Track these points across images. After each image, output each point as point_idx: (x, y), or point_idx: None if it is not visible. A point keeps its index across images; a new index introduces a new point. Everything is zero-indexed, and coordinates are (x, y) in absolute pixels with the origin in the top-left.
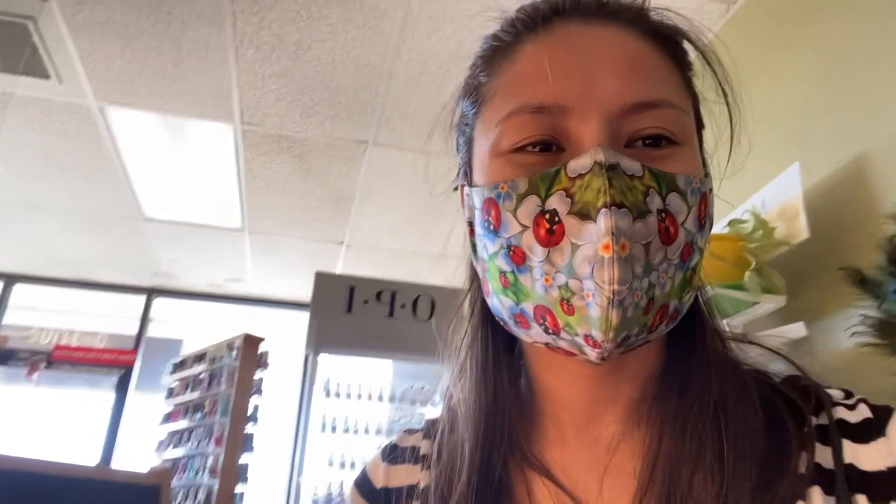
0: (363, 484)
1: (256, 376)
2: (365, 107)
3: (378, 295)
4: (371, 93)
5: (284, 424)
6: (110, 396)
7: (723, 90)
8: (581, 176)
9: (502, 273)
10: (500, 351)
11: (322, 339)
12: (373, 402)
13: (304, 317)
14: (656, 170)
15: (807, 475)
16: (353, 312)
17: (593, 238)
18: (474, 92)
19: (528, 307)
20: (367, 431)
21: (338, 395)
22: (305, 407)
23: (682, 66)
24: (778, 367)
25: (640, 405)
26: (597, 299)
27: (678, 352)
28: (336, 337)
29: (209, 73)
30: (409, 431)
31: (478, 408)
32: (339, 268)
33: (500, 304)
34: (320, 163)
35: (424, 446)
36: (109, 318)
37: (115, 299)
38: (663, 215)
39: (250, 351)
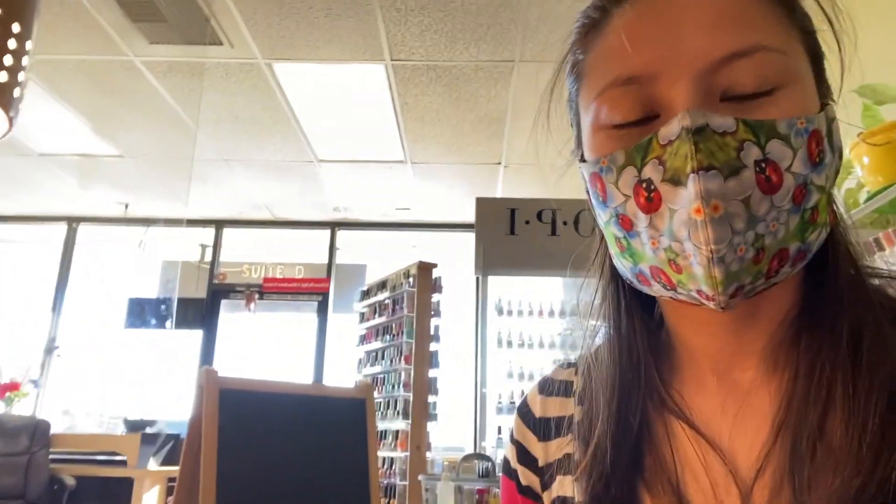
0: (524, 412)
1: (433, 299)
2: (508, 25)
3: (539, 214)
4: (513, 9)
5: (465, 341)
6: (313, 319)
7: (828, 20)
8: (671, 143)
9: (617, 238)
10: (631, 305)
11: (489, 261)
12: (544, 318)
13: (472, 237)
14: (752, 120)
15: None
16: (516, 234)
17: (686, 203)
18: (574, 69)
19: (645, 267)
20: (541, 345)
21: (510, 312)
22: (481, 325)
23: None
24: None
25: (776, 348)
26: (697, 259)
27: (816, 290)
28: (502, 259)
29: (357, 17)
30: (563, 366)
31: (613, 362)
32: (500, 188)
33: (621, 265)
34: (469, 87)
35: (576, 381)
36: (303, 251)
37: (306, 234)
38: (763, 165)
39: (425, 276)
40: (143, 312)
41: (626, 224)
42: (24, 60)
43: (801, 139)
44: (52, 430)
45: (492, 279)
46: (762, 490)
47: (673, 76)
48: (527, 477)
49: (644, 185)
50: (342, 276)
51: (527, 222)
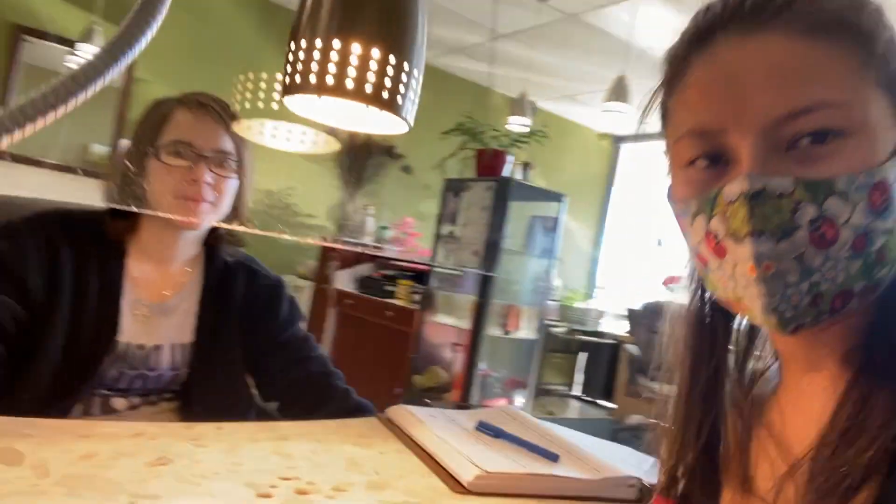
0: None
1: None
2: None
3: None
4: None
5: None
6: None
7: None
8: (731, 203)
9: (698, 266)
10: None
11: None
12: None
13: None
14: (809, 181)
15: None
16: None
17: (743, 259)
18: (662, 108)
19: (720, 295)
20: None
21: None
22: None
23: (858, 42)
24: None
25: (842, 360)
26: (756, 306)
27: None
28: None
29: None
30: None
31: (691, 352)
32: None
33: (705, 283)
34: None
35: None
36: None
37: None
38: (818, 224)
39: None
40: None
41: (702, 260)
42: (403, 77)
43: (861, 193)
44: None
45: None
46: (792, 485)
47: (740, 131)
48: None
49: (712, 234)
50: None
51: None
